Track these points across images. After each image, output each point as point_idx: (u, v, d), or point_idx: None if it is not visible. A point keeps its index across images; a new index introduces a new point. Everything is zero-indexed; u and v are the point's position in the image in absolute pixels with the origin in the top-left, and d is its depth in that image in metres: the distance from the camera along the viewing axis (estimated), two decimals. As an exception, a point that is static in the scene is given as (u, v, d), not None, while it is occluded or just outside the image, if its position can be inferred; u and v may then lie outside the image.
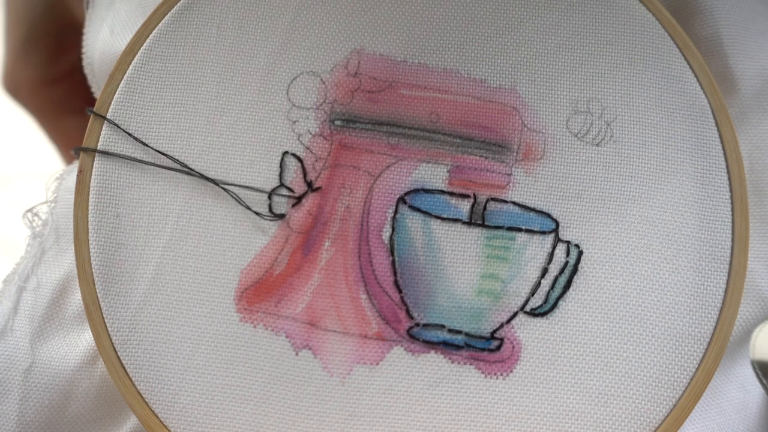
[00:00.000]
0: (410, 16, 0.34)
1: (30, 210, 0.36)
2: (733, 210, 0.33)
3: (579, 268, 0.32)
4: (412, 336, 0.32)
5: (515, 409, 0.31)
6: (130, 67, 0.34)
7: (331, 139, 0.33)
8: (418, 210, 0.32)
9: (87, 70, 0.40)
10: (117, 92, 0.33)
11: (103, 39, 0.39)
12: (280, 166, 0.33)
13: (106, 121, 0.33)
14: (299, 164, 0.33)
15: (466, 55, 0.33)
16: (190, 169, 0.31)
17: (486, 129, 0.33)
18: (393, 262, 0.32)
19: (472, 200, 0.32)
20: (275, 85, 0.33)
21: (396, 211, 0.32)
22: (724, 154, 0.33)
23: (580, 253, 0.32)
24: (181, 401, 0.31)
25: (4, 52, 0.46)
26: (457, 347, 0.32)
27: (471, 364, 0.31)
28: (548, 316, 0.32)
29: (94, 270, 0.32)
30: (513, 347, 0.32)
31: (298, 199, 0.32)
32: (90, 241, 0.33)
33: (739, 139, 0.33)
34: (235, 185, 0.32)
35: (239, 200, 0.32)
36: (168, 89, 0.33)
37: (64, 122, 0.46)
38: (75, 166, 0.37)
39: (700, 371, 0.31)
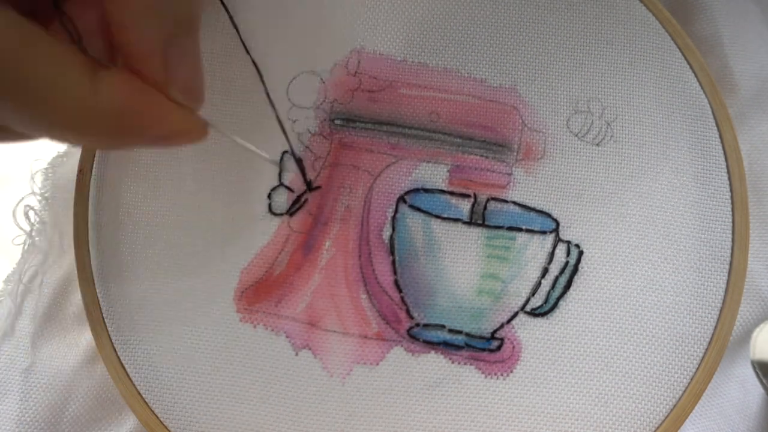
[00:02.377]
0: (410, 16, 0.34)
1: (23, 203, 0.36)
2: (733, 210, 0.33)
3: (579, 268, 0.32)
4: (412, 336, 0.32)
5: (515, 409, 0.31)
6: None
7: (330, 138, 0.33)
8: (419, 210, 0.32)
9: None
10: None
11: None
12: (279, 166, 0.33)
13: None
14: (299, 164, 0.33)
15: (466, 54, 0.33)
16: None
17: (486, 128, 0.33)
18: (393, 262, 0.32)
19: (472, 200, 0.32)
20: (275, 84, 0.33)
21: (396, 211, 0.32)
22: (724, 154, 0.33)
23: (581, 253, 0.32)
24: (181, 401, 0.31)
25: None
26: (458, 347, 0.32)
27: (471, 364, 0.31)
28: (548, 316, 0.32)
29: (94, 270, 0.32)
30: (513, 347, 0.32)
31: (298, 199, 0.32)
32: (90, 241, 0.32)
33: (738, 139, 0.33)
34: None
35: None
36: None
37: None
38: (59, 161, 0.37)
39: (700, 371, 0.31)
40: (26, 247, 0.36)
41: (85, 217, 0.33)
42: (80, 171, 0.33)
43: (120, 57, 0.21)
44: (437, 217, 0.32)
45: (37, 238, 0.36)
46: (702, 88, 0.34)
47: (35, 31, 0.18)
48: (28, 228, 0.36)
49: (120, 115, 0.20)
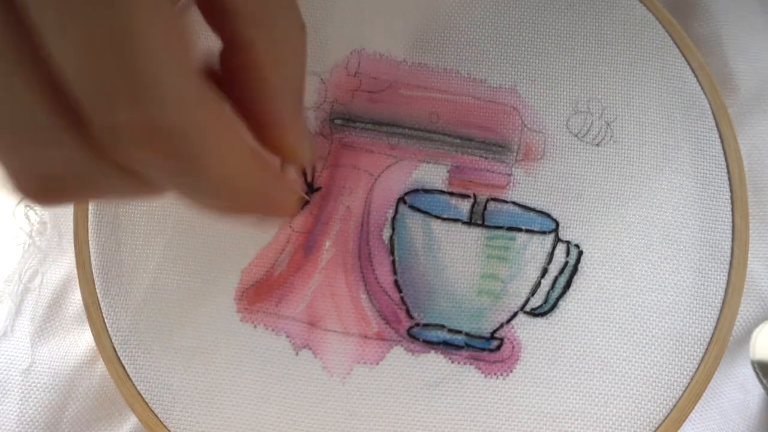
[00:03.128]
0: (410, 16, 0.34)
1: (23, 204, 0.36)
2: (733, 210, 0.33)
3: (579, 268, 0.32)
4: (412, 336, 0.32)
5: (515, 408, 0.31)
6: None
7: (331, 138, 0.33)
8: (418, 210, 0.32)
9: None
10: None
11: None
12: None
13: None
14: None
15: (466, 55, 0.33)
16: None
17: (486, 129, 0.33)
18: (393, 262, 0.32)
19: (472, 200, 0.32)
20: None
21: (396, 212, 0.32)
22: (724, 154, 0.33)
23: (580, 253, 0.32)
24: (181, 401, 0.31)
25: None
26: (457, 347, 0.32)
27: (471, 364, 0.31)
28: (548, 316, 0.32)
29: (94, 270, 0.32)
30: (513, 347, 0.32)
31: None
32: (90, 241, 0.32)
33: (738, 139, 0.33)
34: None
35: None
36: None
37: None
38: None
39: (700, 371, 0.31)
40: (26, 247, 0.36)
41: (85, 217, 0.33)
42: (80, 171, 0.33)
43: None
44: (437, 217, 0.32)
45: (36, 238, 0.36)
46: (702, 88, 0.34)
47: (222, 104, 0.18)
48: (28, 228, 0.36)
49: (261, 192, 0.20)
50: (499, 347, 0.32)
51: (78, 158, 0.17)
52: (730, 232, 0.33)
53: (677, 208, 0.33)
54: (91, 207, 0.33)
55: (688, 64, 0.34)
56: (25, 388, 0.33)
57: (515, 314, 0.32)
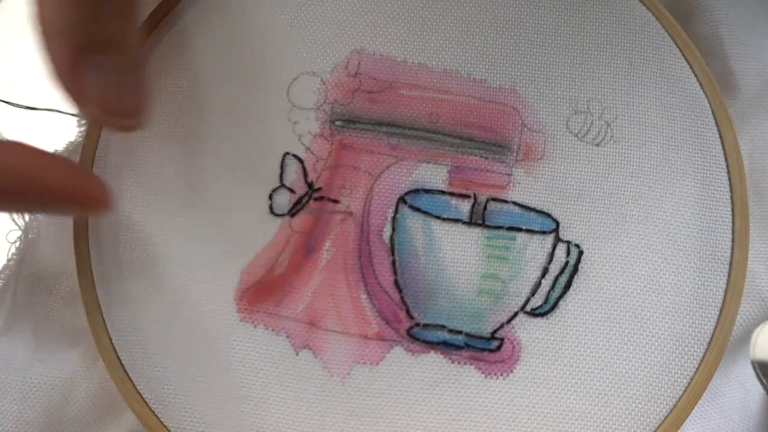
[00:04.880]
0: (410, 16, 0.34)
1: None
2: (733, 210, 0.33)
3: (579, 268, 0.32)
4: (412, 336, 0.32)
5: (515, 409, 0.31)
6: (131, 67, 0.34)
7: (331, 139, 0.33)
8: (419, 210, 0.32)
9: None
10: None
11: None
12: (281, 167, 0.33)
13: None
14: (300, 165, 0.33)
15: (466, 55, 0.34)
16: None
17: (486, 129, 0.33)
18: (393, 262, 0.32)
19: (472, 200, 0.32)
20: (275, 85, 0.33)
21: (396, 212, 0.32)
22: (724, 154, 0.33)
23: (581, 253, 0.32)
24: (181, 401, 0.31)
25: None
26: (458, 347, 0.32)
27: (471, 365, 0.31)
28: (548, 316, 0.32)
29: (94, 270, 0.32)
30: (513, 347, 0.32)
31: (299, 200, 0.32)
32: (90, 241, 0.32)
33: (739, 139, 0.33)
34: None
35: None
36: (168, 89, 0.33)
37: None
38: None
39: (700, 371, 0.31)
40: (26, 246, 0.36)
41: (85, 218, 0.33)
42: (80, 171, 0.33)
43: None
44: (437, 217, 0.32)
45: (36, 237, 0.36)
46: (702, 88, 0.34)
47: None
48: (24, 225, 0.36)
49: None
50: (499, 347, 0.32)
51: None
52: (731, 232, 0.33)
53: (677, 208, 0.33)
54: (92, 207, 0.33)
55: (689, 64, 0.34)
56: (25, 388, 0.33)
57: (515, 314, 0.32)
